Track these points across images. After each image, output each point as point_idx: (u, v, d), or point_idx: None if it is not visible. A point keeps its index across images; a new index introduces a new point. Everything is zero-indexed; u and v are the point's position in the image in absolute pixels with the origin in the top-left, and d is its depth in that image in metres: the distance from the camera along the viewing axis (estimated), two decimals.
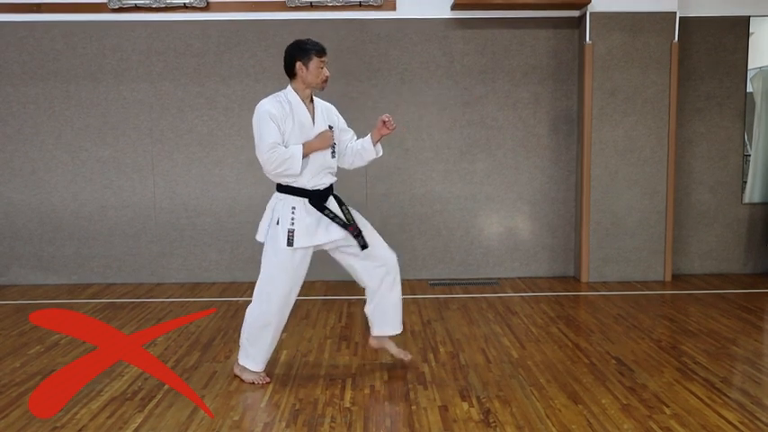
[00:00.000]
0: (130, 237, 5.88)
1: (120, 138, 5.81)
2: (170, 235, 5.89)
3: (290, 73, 3.41)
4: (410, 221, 5.89)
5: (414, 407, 3.16)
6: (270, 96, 3.43)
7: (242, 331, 3.52)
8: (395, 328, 3.67)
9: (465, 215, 5.92)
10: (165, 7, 5.66)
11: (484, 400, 3.20)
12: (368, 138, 3.56)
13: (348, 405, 3.18)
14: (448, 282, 5.81)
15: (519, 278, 5.93)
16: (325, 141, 3.40)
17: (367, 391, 3.37)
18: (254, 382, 3.46)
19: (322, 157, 3.42)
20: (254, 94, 5.76)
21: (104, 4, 5.64)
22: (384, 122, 3.48)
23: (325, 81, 3.41)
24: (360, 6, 5.69)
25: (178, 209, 5.88)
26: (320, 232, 3.41)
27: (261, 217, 5.73)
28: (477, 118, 5.84)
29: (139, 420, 3.02)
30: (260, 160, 3.38)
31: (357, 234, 3.43)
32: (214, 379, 3.55)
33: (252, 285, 5.69)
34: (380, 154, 3.62)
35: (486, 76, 5.80)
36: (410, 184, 5.88)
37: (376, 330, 3.66)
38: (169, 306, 5.11)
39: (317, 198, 3.42)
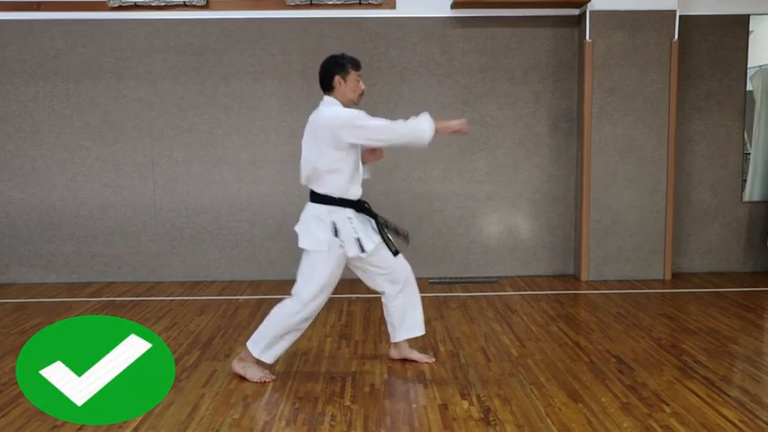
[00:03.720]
0: (130, 235, 5.88)
1: (119, 136, 5.81)
2: (170, 233, 5.89)
3: (328, 87, 3.46)
4: (410, 220, 5.88)
5: (414, 405, 3.16)
6: (327, 105, 3.45)
7: (271, 328, 3.45)
8: (414, 331, 3.70)
9: (465, 214, 5.92)
10: (165, 5, 5.66)
11: (484, 399, 3.20)
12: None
13: (348, 403, 3.18)
14: (448, 280, 5.81)
15: (519, 277, 5.93)
16: (464, 127, 3.48)
17: (367, 389, 3.37)
18: (260, 380, 3.46)
19: (360, 166, 3.48)
20: (253, 93, 5.77)
21: (104, 2, 5.64)
22: (372, 150, 3.56)
23: (362, 95, 3.49)
24: (359, 5, 5.69)
25: (178, 207, 5.87)
26: (368, 238, 3.47)
27: (260, 216, 5.81)
28: (477, 117, 5.84)
29: (139, 420, 3.02)
30: (385, 137, 3.37)
31: (400, 237, 3.56)
32: (214, 377, 3.55)
33: (252, 284, 5.77)
34: (367, 177, 3.59)
35: (486, 74, 5.80)
36: (410, 183, 5.88)
37: (397, 336, 3.70)
38: (169, 305, 5.11)
39: (360, 208, 3.49)
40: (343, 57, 3.47)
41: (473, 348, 3.97)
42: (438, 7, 5.71)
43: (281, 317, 3.45)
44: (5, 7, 5.65)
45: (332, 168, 3.36)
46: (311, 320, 3.52)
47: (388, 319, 3.72)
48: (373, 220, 3.54)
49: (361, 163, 3.50)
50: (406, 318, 3.67)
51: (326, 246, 3.39)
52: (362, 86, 3.49)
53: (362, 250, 3.41)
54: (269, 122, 5.82)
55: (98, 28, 5.71)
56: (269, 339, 3.46)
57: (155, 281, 5.91)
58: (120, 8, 5.65)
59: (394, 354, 3.77)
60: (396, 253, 3.55)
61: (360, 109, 3.51)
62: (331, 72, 3.44)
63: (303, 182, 3.49)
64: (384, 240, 3.52)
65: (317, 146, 3.37)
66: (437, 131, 3.39)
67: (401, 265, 3.62)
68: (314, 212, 3.43)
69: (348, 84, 3.44)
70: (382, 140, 3.39)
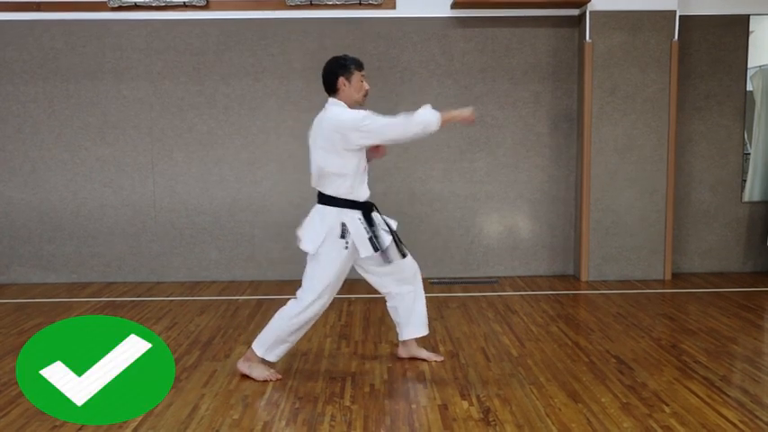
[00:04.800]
0: (130, 235, 5.89)
1: (119, 136, 5.81)
2: (170, 234, 5.89)
3: (332, 89, 3.43)
4: (410, 220, 5.89)
5: (414, 405, 3.16)
6: (334, 105, 3.42)
7: (274, 330, 3.46)
8: (421, 330, 3.72)
9: (465, 214, 5.92)
10: (165, 6, 5.66)
11: (484, 399, 3.20)
12: None
13: (348, 404, 3.18)
14: (448, 281, 5.81)
15: (519, 277, 5.93)
16: (471, 116, 3.36)
17: (367, 389, 3.37)
18: (266, 380, 3.46)
19: (366, 167, 3.46)
20: (253, 93, 5.77)
21: (104, 2, 5.64)
22: (375, 148, 3.52)
23: (366, 95, 3.46)
24: (359, 5, 5.69)
25: (178, 207, 5.88)
26: (382, 237, 3.46)
27: (260, 216, 5.81)
28: (477, 116, 5.82)
29: (139, 420, 3.02)
30: (393, 135, 3.33)
31: (387, 259, 3.51)
32: (214, 377, 3.55)
33: (251, 284, 5.77)
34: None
35: (486, 74, 5.80)
36: (410, 183, 5.88)
37: (404, 335, 3.72)
38: (169, 305, 5.11)
39: (369, 208, 3.47)
40: (345, 58, 3.45)
41: (473, 348, 3.97)
42: (438, 7, 5.71)
43: (282, 318, 3.45)
44: (5, 7, 5.65)
45: (339, 170, 3.35)
46: (315, 320, 3.51)
47: (394, 318, 3.74)
48: (383, 222, 3.51)
49: (366, 163, 3.49)
50: (411, 317, 3.68)
51: (330, 248, 3.38)
52: (366, 86, 3.47)
53: (376, 249, 3.38)
54: (269, 123, 5.82)
55: (98, 28, 5.71)
56: (272, 341, 3.47)
57: (155, 281, 5.91)
58: (120, 8, 5.66)
59: (402, 353, 3.77)
60: (404, 255, 3.55)
61: (363, 109, 3.51)
62: (335, 74, 3.41)
63: (313, 184, 3.48)
64: (395, 241, 3.50)
65: (325, 148, 3.35)
66: (444, 123, 3.31)
67: (409, 264, 3.63)
68: (321, 214, 3.42)
69: (352, 84, 3.41)
70: (392, 138, 3.36)
